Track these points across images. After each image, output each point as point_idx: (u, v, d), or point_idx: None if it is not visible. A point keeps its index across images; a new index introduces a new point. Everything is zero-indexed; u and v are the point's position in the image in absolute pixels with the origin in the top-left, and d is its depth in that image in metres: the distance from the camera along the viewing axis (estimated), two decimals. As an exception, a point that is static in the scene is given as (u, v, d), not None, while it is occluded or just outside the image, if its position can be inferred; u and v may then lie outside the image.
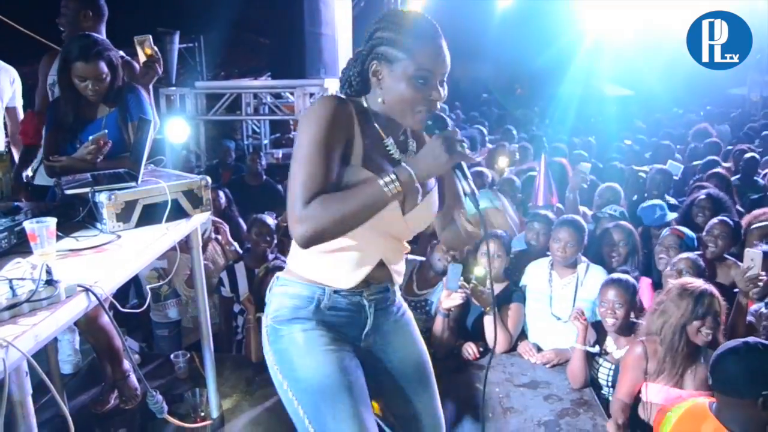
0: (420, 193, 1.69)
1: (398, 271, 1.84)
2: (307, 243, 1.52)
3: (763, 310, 2.98)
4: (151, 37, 3.16)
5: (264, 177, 6.04)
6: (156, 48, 3.15)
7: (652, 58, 16.31)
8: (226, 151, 7.26)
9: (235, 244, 4.40)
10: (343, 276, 1.72)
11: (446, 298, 3.18)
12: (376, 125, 1.68)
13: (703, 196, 4.40)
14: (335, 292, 1.73)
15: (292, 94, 7.07)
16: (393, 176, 1.51)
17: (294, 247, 1.74)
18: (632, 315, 3.01)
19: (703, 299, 2.56)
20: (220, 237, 4.29)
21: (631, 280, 3.08)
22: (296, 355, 1.70)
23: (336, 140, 1.57)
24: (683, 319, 2.56)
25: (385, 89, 1.63)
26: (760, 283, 2.89)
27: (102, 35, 3.15)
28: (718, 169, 5.54)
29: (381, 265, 1.76)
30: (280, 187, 5.98)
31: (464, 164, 1.55)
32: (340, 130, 1.58)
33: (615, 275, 3.13)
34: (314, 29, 6.97)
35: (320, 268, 1.72)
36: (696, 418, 2.10)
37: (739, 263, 3.13)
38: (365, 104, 1.69)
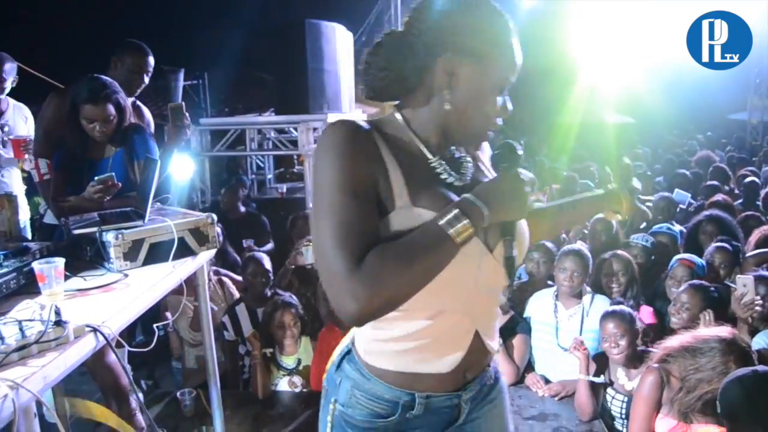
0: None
1: (493, 346, 1.43)
2: (363, 322, 1.19)
3: None
4: (183, 104, 3.24)
5: (243, 209, 5.94)
6: (188, 114, 3.23)
7: (653, 84, 16.43)
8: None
9: (235, 292, 4.31)
10: (434, 374, 1.34)
11: None
12: (419, 143, 1.32)
13: (708, 220, 4.40)
14: (428, 397, 1.35)
15: (295, 129, 7.15)
16: (464, 220, 1.18)
17: None
18: (638, 343, 3.00)
19: (751, 364, 2.49)
20: (228, 282, 4.28)
21: (627, 309, 3.07)
22: None
23: (364, 179, 1.21)
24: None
25: (460, 93, 1.26)
26: (758, 308, 2.88)
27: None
28: (719, 197, 5.54)
29: (475, 340, 1.36)
30: (263, 217, 5.92)
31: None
32: (365, 165, 1.22)
33: (611, 308, 3.12)
34: (316, 65, 7.06)
35: (401, 364, 1.33)
36: (706, 449, 2.08)
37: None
38: (398, 116, 1.33)
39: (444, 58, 1.25)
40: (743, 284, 2.95)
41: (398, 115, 1.33)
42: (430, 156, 1.32)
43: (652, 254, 4.19)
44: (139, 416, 2.94)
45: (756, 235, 4.16)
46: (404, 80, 1.29)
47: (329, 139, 1.22)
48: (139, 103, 3.28)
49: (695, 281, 3.25)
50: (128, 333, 3.66)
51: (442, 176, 1.32)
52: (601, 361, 3.12)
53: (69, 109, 2.82)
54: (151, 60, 3.33)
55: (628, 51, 14.75)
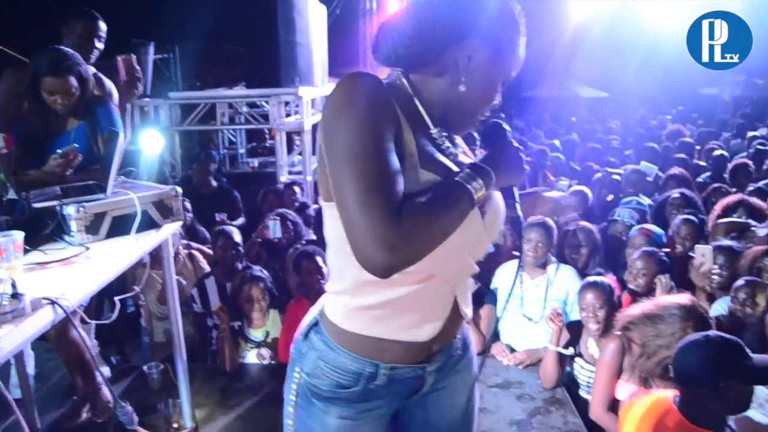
0: None
1: (468, 312, 1.46)
2: (390, 273, 1.13)
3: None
4: (134, 56, 3.18)
5: (215, 184, 5.88)
6: (138, 67, 3.16)
7: (627, 59, 16.53)
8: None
9: (205, 266, 4.29)
10: (406, 342, 1.36)
11: None
12: (423, 112, 1.33)
13: (677, 195, 4.51)
14: (392, 368, 1.38)
15: (267, 103, 7.09)
16: (479, 179, 1.22)
17: (335, 283, 1.38)
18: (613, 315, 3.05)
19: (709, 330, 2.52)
20: (199, 255, 4.27)
21: (607, 281, 3.13)
22: None
23: (390, 129, 1.20)
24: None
25: (474, 78, 1.30)
26: (715, 277, 2.95)
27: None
28: (675, 170, 5.66)
29: (453, 308, 1.41)
30: (235, 192, 5.87)
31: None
32: (389, 116, 1.21)
33: (591, 278, 3.17)
34: (289, 38, 7.00)
35: (372, 332, 1.35)
36: (660, 411, 2.14)
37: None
38: (405, 82, 1.34)
39: (470, 42, 1.28)
40: (702, 254, 3.02)
41: (405, 81, 1.34)
42: (431, 125, 1.34)
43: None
44: (105, 390, 2.94)
45: (722, 203, 4.25)
46: (426, 52, 1.30)
47: (355, 87, 1.21)
48: (100, 74, 3.22)
49: (647, 248, 3.32)
50: (96, 309, 3.65)
51: (442, 146, 1.35)
52: (570, 332, 3.18)
53: (29, 81, 2.76)
54: (102, 25, 3.24)
55: (604, 25, 14.83)
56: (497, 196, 1.39)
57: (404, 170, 1.20)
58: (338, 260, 1.36)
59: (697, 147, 8.18)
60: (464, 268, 1.40)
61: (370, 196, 1.11)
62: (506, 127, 1.40)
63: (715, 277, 2.99)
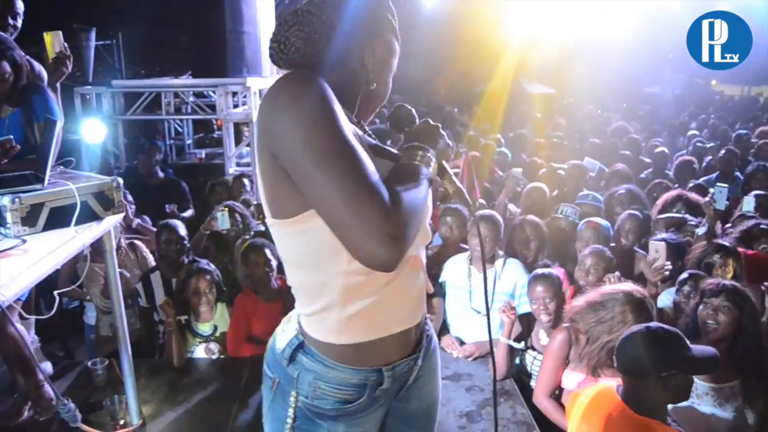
0: None
1: (430, 287, 1.55)
2: (396, 264, 1.15)
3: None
4: (61, 33, 3.06)
5: (161, 174, 5.71)
6: (66, 44, 3.05)
7: (576, 58, 16.86)
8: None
9: (149, 256, 4.21)
10: (401, 338, 1.39)
11: None
12: (344, 108, 1.33)
13: (622, 191, 4.65)
14: (393, 368, 1.40)
15: (214, 92, 6.95)
16: (428, 156, 1.30)
17: (312, 303, 1.34)
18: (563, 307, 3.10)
19: (647, 314, 2.57)
20: (141, 245, 4.17)
21: (555, 272, 3.18)
22: None
23: (348, 125, 1.22)
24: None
25: (380, 74, 1.41)
26: (667, 272, 3.03)
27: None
28: (619, 166, 5.86)
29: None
30: (183, 183, 5.74)
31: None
32: (343, 114, 1.22)
33: (539, 270, 3.21)
34: (236, 27, 6.87)
35: (372, 334, 1.35)
36: (604, 401, 2.19)
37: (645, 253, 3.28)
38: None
39: (374, 42, 1.38)
40: (655, 250, 3.07)
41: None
42: (354, 119, 1.39)
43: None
44: (48, 388, 2.84)
45: (663, 198, 4.40)
46: (340, 52, 1.35)
47: (306, 88, 1.20)
48: (28, 57, 3.09)
49: (597, 246, 3.39)
50: (36, 303, 3.52)
51: (371, 138, 1.39)
52: (523, 325, 3.22)
53: None
54: (19, 2, 3.12)
55: (555, 25, 15.09)
56: None
57: None
58: (312, 278, 1.33)
59: (643, 144, 8.41)
60: (426, 240, 1.45)
61: (360, 193, 1.11)
62: (410, 107, 1.48)
63: (667, 272, 3.07)
